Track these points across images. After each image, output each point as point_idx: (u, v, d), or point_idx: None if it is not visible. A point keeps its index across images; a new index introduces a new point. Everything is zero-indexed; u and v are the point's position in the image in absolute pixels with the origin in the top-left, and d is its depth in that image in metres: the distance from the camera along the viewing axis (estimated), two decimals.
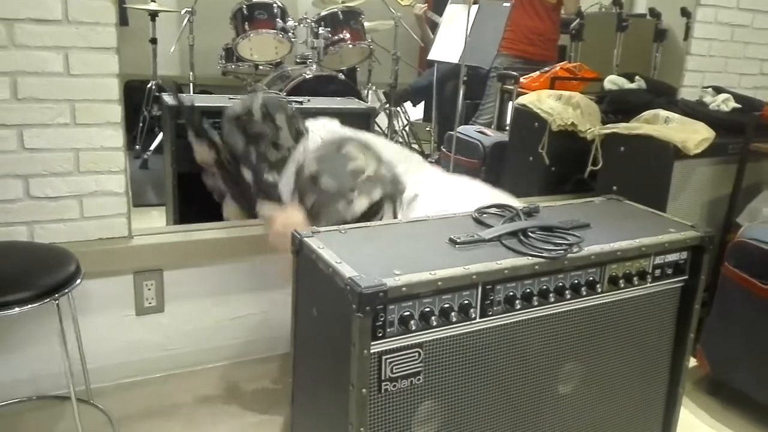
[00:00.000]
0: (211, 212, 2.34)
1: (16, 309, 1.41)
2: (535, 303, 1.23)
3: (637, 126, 2.34)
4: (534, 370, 1.28)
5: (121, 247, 1.88)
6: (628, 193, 1.87)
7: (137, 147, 4.15)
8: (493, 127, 3.49)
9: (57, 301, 1.48)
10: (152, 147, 4.03)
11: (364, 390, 1.07)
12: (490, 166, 2.98)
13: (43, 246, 1.72)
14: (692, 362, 2.11)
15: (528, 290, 1.22)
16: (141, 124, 4.18)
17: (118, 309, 1.95)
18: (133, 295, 1.96)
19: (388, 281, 1.05)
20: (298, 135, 2.08)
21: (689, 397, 2.12)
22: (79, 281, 1.56)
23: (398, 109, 4.33)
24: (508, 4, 3.44)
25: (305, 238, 1.23)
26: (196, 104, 2.11)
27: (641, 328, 1.43)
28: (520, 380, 1.27)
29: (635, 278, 1.35)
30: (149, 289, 1.96)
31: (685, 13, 3.17)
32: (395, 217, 1.58)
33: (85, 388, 1.82)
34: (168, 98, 2.68)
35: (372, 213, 1.54)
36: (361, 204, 1.52)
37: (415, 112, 4.61)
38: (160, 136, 3.86)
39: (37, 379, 1.87)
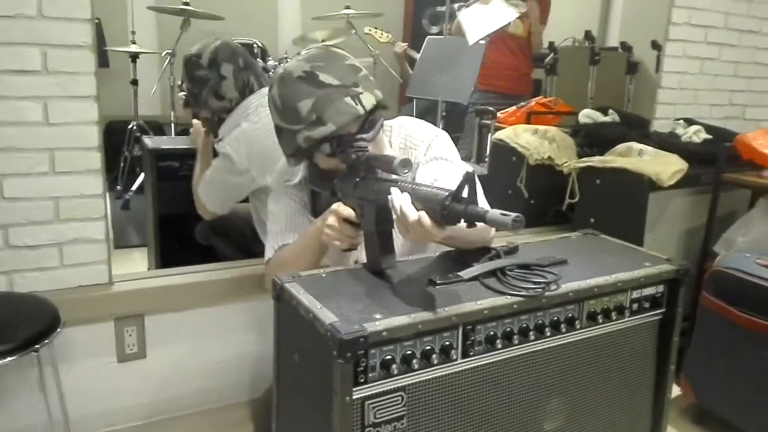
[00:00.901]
0: (193, 254, 2.35)
1: None
2: (516, 341, 1.24)
3: (611, 159, 2.39)
4: (518, 408, 1.29)
5: (101, 294, 1.87)
6: (605, 225, 1.91)
7: (119, 187, 4.16)
8: (472, 161, 3.53)
9: (37, 353, 1.47)
10: (134, 187, 4.04)
11: None
12: None
13: (23, 296, 1.71)
14: (677, 391, 2.13)
15: (508, 329, 1.23)
16: (122, 165, 4.20)
17: (100, 356, 1.93)
18: (114, 341, 1.94)
19: (369, 326, 1.06)
20: (245, 88, 2.08)
21: (675, 426, 2.13)
22: (58, 331, 1.55)
23: None
24: (483, 42, 3.51)
25: (286, 284, 1.24)
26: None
27: (622, 362, 1.44)
28: (505, 418, 1.27)
29: (613, 313, 1.37)
30: (130, 336, 1.95)
31: (655, 45, 3.27)
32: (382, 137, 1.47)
33: None
34: (148, 141, 2.70)
35: (374, 118, 1.41)
36: (368, 99, 1.38)
37: None
38: (142, 176, 3.86)
39: (18, 430, 1.83)
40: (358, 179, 1.34)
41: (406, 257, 1.44)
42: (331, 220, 1.36)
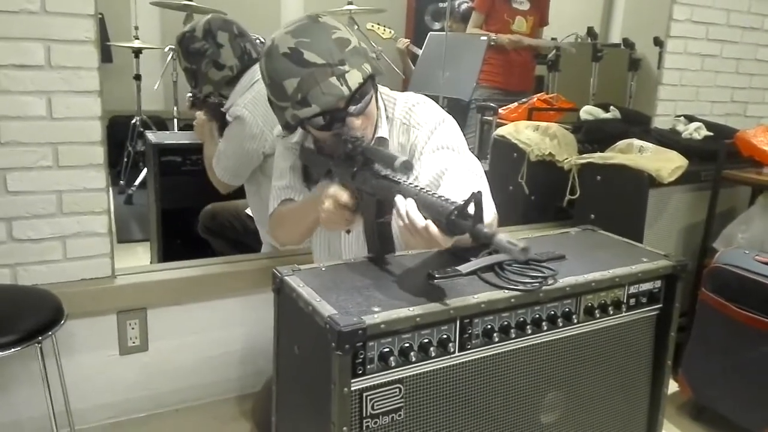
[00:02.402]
0: (195, 248, 2.37)
1: None
2: (513, 335, 1.25)
3: (611, 156, 2.39)
4: (514, 401, 1.30)
5: (104, 288, 1.88)
6: (605, 221, 1.92)
7: (122, 182, 4.18)
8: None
9: (40, 345, 1.49)
10: (137, 182, 4.06)
11: (345, 428, 1.08)
12: None
13: (26, 288, 1.73)
14: (675, 387, 2.14)
15: (505, 323, 1.24)
16: (125, 160, 4.21)
17: (102, 349, 1.95)
18: (116, 334, 1.96)
19: (367, 319, 1.07)
20: (244, 55, 2.07)
21: (673, 422, 2.14)
22: (62, 323, 1.56)
23: None
24: (485, 38, 3.52)
25: (285, 277, 1.25)
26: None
27: (619, 357, 1.45)
28: (502, 411, 1.28)
29: (610, 308, 1.38)
30: (133, 329, 1.97)
31: (657, 42, 3.26)
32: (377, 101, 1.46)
33: (69, 430, 1.81)
34: (151, 136, 2.72)
35: (362, 92, 1.38)
36: (354, 77, 1.34)
37: None
38: (145, 171, 3.88)
39: (20, 422, 1.86)
40: (355, 169, 1.33)
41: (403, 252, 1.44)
42: (328, 204, 1.35)
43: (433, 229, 1.08)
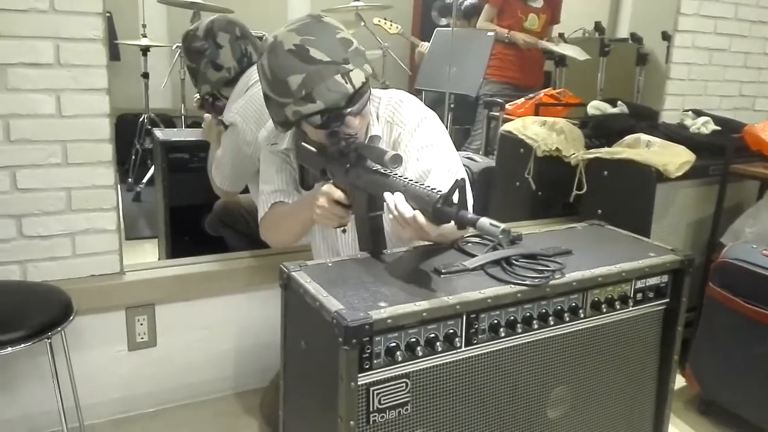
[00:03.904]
0: (203, 245, 2.38)
1: (9, 349, 1.43)
2: (519, 330, 1.25)
3: (619, 150, 2.38)
4: (521, 396, 1.30)
5: (113, 284, 1.90)
6: (612, 217, 1.91)
7: (130, 180, 4.20)
8: (481, 152, 3.54)
9: (49, 340, 1.50)
10: (145, 180, 4.08)
11: (352, 422, 1.09)
12: (478, 191, 3.02)
13: (36, 285, 1.74)
14: (682, 382, 2.14)
15: (512, 318, 1.25)
16: (134, 157, 4.24)
17: (111, 345, 1.96)
18: (125, 330, 1.97)
19: (374, 314, 1.08)
20: (243, 57, 2.08)
21: (680, 417, 2.14)
22: (71, 319, 1.58)
23: None
24: (492, 33, 3.51)
25: (293, 272, 1.26)
26: None
27: (626, 351, 1.45)
28: (508, 406, 1.29)
29: (617, 303, 1.38)
30: (141, 324, 1.98)
31: (666, 36, 3.24)
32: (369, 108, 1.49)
33: (78, 425, 1.83)
34: (159, 133, 2.73)
35: (362, 92, 1.40)
36: (358, 77, 1.37)
37: None
38: (153, 168, 3.90)
39: (30, 417, 1.88)
40: (348, 165, 1.38)
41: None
42: (322, 201, 1.41)
43: (421, 218, 1.15)
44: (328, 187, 1.41)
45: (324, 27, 1.39)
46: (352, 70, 1.37)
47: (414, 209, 1.15)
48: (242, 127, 2.01)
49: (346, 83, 1.36)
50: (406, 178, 1.24)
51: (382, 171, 1.31)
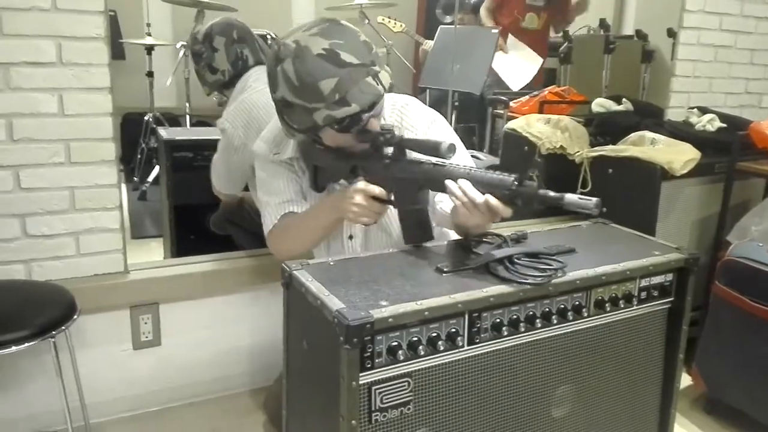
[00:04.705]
0: (208, 244, 2.38)
1: (13, 348, 1.43)
2: (522, 329, 1.25)
3: (623, 148, 2.37)
4: (524, 395, 1.29)
5: (117, 283, 1.90)
6: (617, 215, 1.90)
7: (135, 179, 4.20)
8: (485, 150, 3.53)
9: (53, 339, 1.51)
10: (150, 178, 4.08)
11: (354, 421, 1.08)
12: None
13: (40, 284, 1.75)
14: (688, 381, 2.13)
15: (515, 316, 1.24)
16: (139, 156, 4.24)
17: (115, 344, 1.97)
18: (129, 329, 1.98)
19: (375, 313, 1.07)
20: (238, 61, 2.09)
21: (686, 416, 2.13)
22: (75, 318, 1.58)
23: None
24: (496, 31, 3.50)
25: (294, 271, 1.25)
26: None
27: (630, 350, 1.44)
28: (511, 405, 1.28)
29: (621, 301, 1.37)
30: (146, 323, 1.98)
31: (671, 33, 3.23)
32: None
33: (83, 424, 1.83)
34: (163, 132, 2.73)
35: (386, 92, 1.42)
36: (385, 78, 1.39)
37: None
38: (158, 167, 3.91)
39: (35, 416, 1.88)
40: (388, 160, 1.38)
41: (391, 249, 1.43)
42: (359, 198, 1.39)
43: (494, 201, 1.18)
44: (363, 185, 1.40)
45: (346, 30, 1.39)
46: (379, 72, 1.38)
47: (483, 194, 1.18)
48: (230, 132, 2.02)
49: (378, 84, 1.37)
50: (465, 166, 1.26)
51: (434, 162, 1.31)
